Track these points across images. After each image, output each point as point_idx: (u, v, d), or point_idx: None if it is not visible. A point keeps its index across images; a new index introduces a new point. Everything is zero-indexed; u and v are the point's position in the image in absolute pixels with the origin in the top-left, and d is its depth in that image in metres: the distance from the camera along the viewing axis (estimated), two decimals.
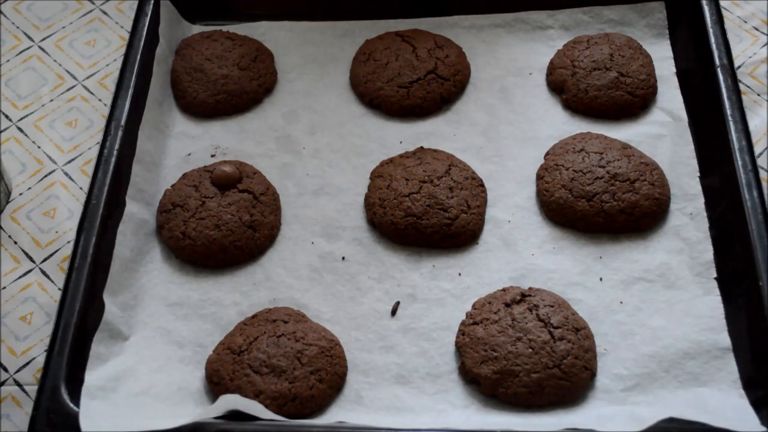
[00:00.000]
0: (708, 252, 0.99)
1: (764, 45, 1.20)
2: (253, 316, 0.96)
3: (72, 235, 1.04)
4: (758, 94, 1.15)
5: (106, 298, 0.95)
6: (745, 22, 1.23)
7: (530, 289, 0.97)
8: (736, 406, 0.88)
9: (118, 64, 1.14)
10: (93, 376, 0.90)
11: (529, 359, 0.90)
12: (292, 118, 1.15)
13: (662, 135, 1.09)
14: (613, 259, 1.00)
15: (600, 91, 1.12)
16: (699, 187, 1.04)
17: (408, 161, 1.06)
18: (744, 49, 1.20)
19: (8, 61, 1.24)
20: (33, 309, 1.02)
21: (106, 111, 1.11)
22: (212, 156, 1.11)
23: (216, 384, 0.91)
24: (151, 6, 1.17)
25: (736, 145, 1.01)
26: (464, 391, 0.92)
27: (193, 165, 1.09)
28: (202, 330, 0.97)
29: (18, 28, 1.27)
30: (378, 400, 0.91)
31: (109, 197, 1.01)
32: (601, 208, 1.01)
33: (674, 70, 1.15)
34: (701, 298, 0.96)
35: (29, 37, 1.26)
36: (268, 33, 1.23)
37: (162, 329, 0.97)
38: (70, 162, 1.14)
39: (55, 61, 1.24)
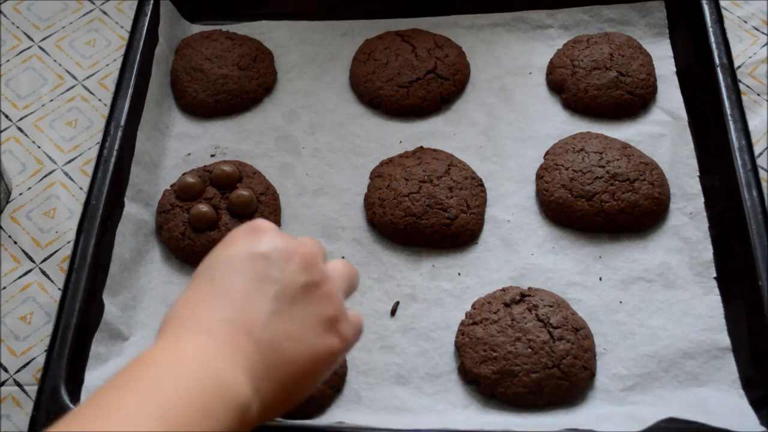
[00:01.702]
0: (708, 252, 0.99)
1: (764, 45, 1.20)
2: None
3: (72, 235, 1.04)
4: (758, 94, 1.15)
5: (106, 298, 0.95)
6: (745, 22, 1.23)
7: (530, 288, 0.97)
8: (736, 405, 0.88)
9: (118, 64, 1.14)
10: (93, 376, 0.90)
11: (528, 359, 0.90)
12: (291, 117, 1.15)
13: (662, 134, 1.09)
14: (612, 258, 1.00)
15: (600, 91, 1.12)
16: (699, 187, 1.03)
17: (408, 161, 1.06)
18: (744, 49, 1.20)
19: (8, 61, 1.24)
20: (33, 309, 1.02)
21: (106, 111, 1.11)
22: (212, 156, 1.11)
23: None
24: (150, 6, 1.17)
25: (735, 145, 1.01)
26: (464, 391, 0.92)
27: (193, 165, 1.09)
28: None
29: (18, 28, 1.27)
30: (377, 400, 0.91)
31: (109, 197, 1.01)
32: (601, 207, 1.01)
33: (674, 69, 1.14)
34: (701, 297, 0.96)
35: (29, 37, 1.26)
36: (268, 33, 1.23)
37: None
38: (70, 162, 1.14)
39: (55, 61, 1.24)
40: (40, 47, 1.25)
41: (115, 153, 1.04)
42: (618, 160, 1.04)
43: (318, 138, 1.12)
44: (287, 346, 0.66)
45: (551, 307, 0.94)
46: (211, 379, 0.61)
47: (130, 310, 0.98)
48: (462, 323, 0.95)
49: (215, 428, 0.59)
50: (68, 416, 0.58)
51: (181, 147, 1.12)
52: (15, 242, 1.07)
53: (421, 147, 1.09)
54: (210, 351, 0.63)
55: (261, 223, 0.72)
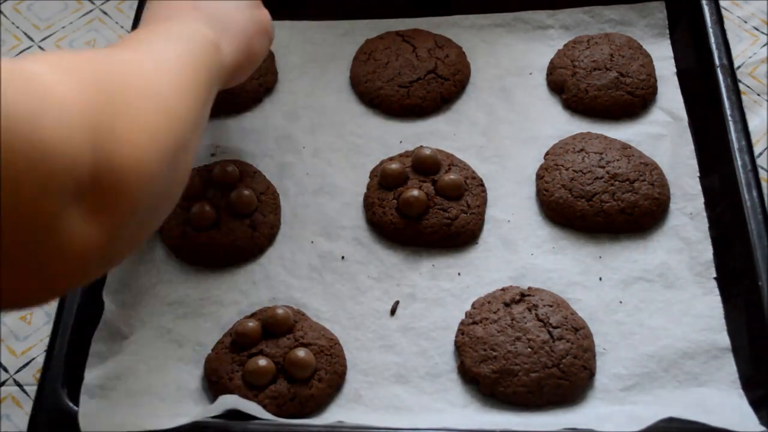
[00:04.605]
0: (708, 252, 0.99)
1: (764, 45, 1.20)
2: (252, 315, 0.96)
3: None
4: (758, 94, 1.15)
5: (106, 296, 0.95)
6: (745, 22, 1.23)
7: (530, 288, 0.97)
8: (735, 406, 0.88)
9: None
10: (92, 375, 0.90)
11: (528, 359, 0.90)
12: (292, 117, 1.15)
13: (662, 135, 1.09)
14: (612, 258, 1.00)
15: (600, 91, 1.12)
16: (699, 187, 1.03)
17: (408, 161, 1.06)
18: (744, 49, 1.20)
19: None
20: (33, 309, 1.02)
21: None
22: (212, 155, 1.11)
23: (214, 383, 0.91)
24: None
25: (735, 145, 1.01)
26: (463, 391, 0.92)
27: (193, 164, 1.09)
28: (201, 329, 0.97)
29: (18, 28, 1.27)
30: (377, 399, 0.91)
31: None
32: (601, 207, 1.01)
33: (675, 70, 1.14)
34: (700, 298, 0.96)
35: (29, 37, 1.26)
36: None
37: (161, 328, 0.97)
38: None
39: None
40: (40, 47, 1.25)
41: None
42: (618, 160, 1.04)
43: (318, 137, 1.12)
44: (230, 14, 0.91)
45: (551, 306, 0.94)
46: (188, 31, 0.84)
47: (130, 309, 0.98)
48: (462, 323, 0.95)
49: (203, 55, 0.83)
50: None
51: None
52: None
53: (421, 147, 1.09)
54: (176, 21, 0.86)
55: None
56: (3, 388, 0.97)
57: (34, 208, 0.55)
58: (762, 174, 1.05)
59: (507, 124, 1.12)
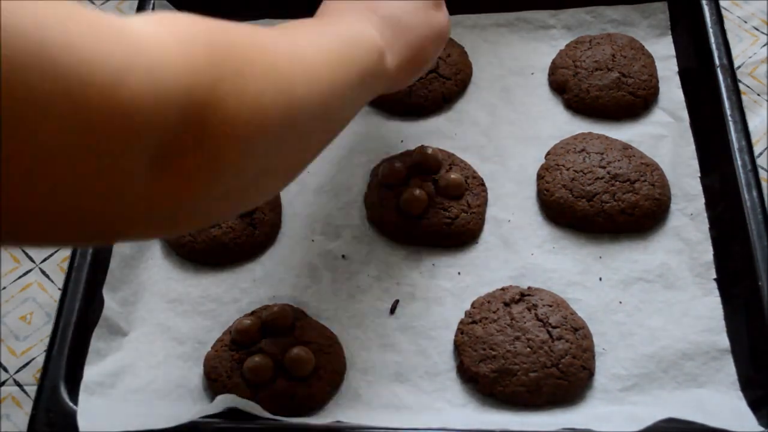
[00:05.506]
0: (708, 253, 0.98)
1: (764, 45, 1.20)
2: (252, 313, 0.96)
3: None
4: (758, 94, 1.15)
5: (106, 293, 0.95)
6: (745, 22, 1.23)
7: (529, 288, 0.97)
8: (734, 407, 0.88)
9: None
10: (92, 372, 0.91)
11: (527, 358, 0.90)
12: None
13: (663, 135, 1.09)
14: (612, 259, 1.00)
15: (602, 92, 1.11)
16: (700, 188, 1.03)
17: (409, 160, 1.06)
18: (744, 49, 1.20)
19: None
20: (33, 309, 1.02)
21: None
22: None
23: (214, 381, 0.91)
24: (151, 6, 1.17)
25: (735, 145, 1.01)
26: (462, 390, 0.92)
27: None
28: (201, 326, 0.97)
29: None
30: (376, 398, 0.91)
31: None
32: (602, 208, 1.01)
33: (676, 70, 1.14)
34: (700, 298, 0.96)
35: None
36: None
37: (161, 325, 0.97)
38: None
39: None
40: None
41: None
42: (619, 160, 1.04)
43: None
44: (406, 18, 0.86)
45: (550, 306, 0.94)
46: (352, 31, 0.80)
47: (130, 306, 0.98)
48: (461, 322, 0.95)
49: (361, 58, 0.77)
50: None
51: None
52: None
53: (422, 146, 1.09)
54: (346, 19, 0.82)
55: None
56: (3, 388, 0.97)
57: (108, 166, 0.50)
58: (762, 174, 1.05)
59: (508, 123, 1.12)
